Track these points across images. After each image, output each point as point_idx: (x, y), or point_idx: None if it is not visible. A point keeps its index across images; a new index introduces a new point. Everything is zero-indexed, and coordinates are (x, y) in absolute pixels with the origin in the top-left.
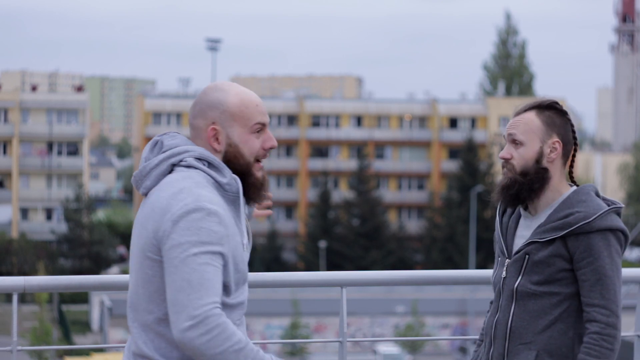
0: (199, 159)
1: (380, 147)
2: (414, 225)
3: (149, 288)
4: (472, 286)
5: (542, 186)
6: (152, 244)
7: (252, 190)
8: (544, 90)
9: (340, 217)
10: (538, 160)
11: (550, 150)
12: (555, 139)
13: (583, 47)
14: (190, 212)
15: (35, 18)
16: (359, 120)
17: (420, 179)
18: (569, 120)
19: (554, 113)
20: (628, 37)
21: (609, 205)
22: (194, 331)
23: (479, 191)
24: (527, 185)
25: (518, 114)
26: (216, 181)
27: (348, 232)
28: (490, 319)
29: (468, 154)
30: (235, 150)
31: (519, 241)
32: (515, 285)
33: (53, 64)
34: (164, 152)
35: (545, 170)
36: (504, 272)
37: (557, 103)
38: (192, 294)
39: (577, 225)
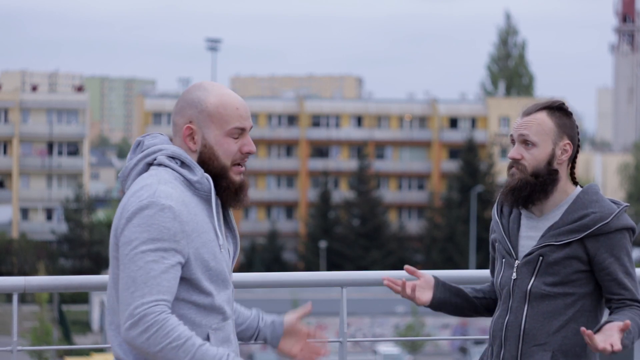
0: (171, 157)
1: (380, 147)
2: (414, 225)
3: (118, 288)
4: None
5: (553, 188)
6: (114, 242)
7: (227, 194)
8: (544, 90)
9: (341, 217)
10: (550, 162)
11: (562, 152)
12: (567, 140)
13: (583, 47)
14: (143, 209)
15: (35, 18)
16: (359, 120)
17: (420, 179)
18: (574, 121)
19: (563, 114)
20: (628, 37)
21: (615, 204)
22: (134, 330)
23: (479, 191)
24: (540, 187)
25: (529, 114)
26: (186, 179)
27: (348, 232)
28: (498, 320)
29: (468, 154)
30: (210, 151)
31: (526, 242)
32: (529, 286)
33: (53, 64)
34: (142, 152)
35: (556, 172)
36: (514, 274)
37: (565, 104)
38: (135, 292)
39: (596, 227)
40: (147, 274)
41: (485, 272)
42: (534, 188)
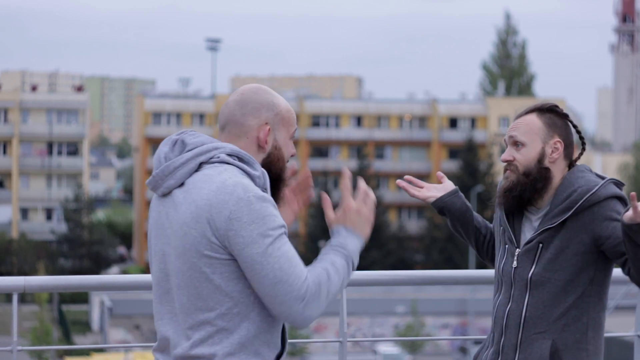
0: (229, 154)
1: (380, 147)
2: (414, 225)
3: (208, 286)
4: (472, 286)
5: (544, 186)
6: (210, 242)
7: (279, 193)
8: (544, 90)
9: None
10: (540, 160)
11: (552, 151)
12: (557, 139)
13: (583, 47)
14: (247, 205)
15: (35, 18)
16: (359, 120)
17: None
18: (570, 122)
19: (554, 115)
20: (628, 37)
21: (601, 178)
22: (310, 307)
23: (479, 191)
24: (530, 185)
25: (519, 116)
26: (248, 174)
27: None
28: (500, 308)
29: (468, 154)
30: (279, 152)
31: (528, 230)
32: (530, 274)
33: (53, 64)
34: (189, 150)
35: (547, 170)
36: (515, 262)
37: (557, 106)
38: (290, 278)
39: (584, 199)
40: (288, 259)
41: (485, 272)
42: (524, 187)
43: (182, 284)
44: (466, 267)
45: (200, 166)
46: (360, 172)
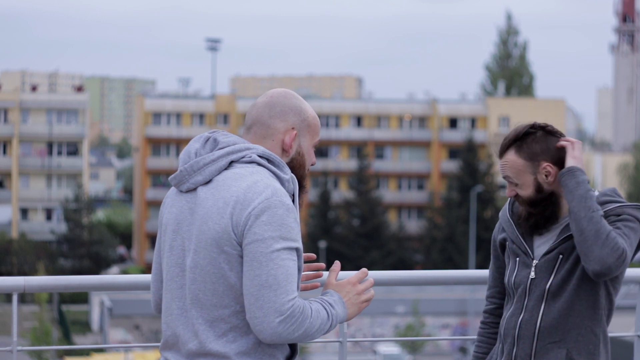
0: (260, 156)
1: (380, 147)
2: (414, 225)
3: (224, 283)
4: (472, 286)
5: (554, 209)
6: (230, 237)
7: (300, 200)
8: (544, 90)
9: (340, 217)
10: (539, 189)
11: (545, 175)
12: (544, 164)
13: (583, 47)
14: (272, 207)
15: (35, 18)
16: (359, 120)
17: (420, 179)
18: (549, 133)
19: (532, 141)
20: (628, 37)
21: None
22: (284, 325)
23: (479, 191)
24: (540, 214)
25: (501, 156)
26: (278, 177)
27: (348, 232)
28: (511, 319)
29: (468, 154)
30: (301, 159)
31: (539, 241)
32: (548, 285)
33: (53, 64)
34: (221, 148)
35: (550, 194)
36: (533, 273)
37: (532, 127)
38: (279, 290)
39: (608, 208)
40: (286, 273)
41: (485, 272)
42: (537, 218)
43: (198, 279)
44: (466, 267)
45: (230, 164)
46: (360, 172)
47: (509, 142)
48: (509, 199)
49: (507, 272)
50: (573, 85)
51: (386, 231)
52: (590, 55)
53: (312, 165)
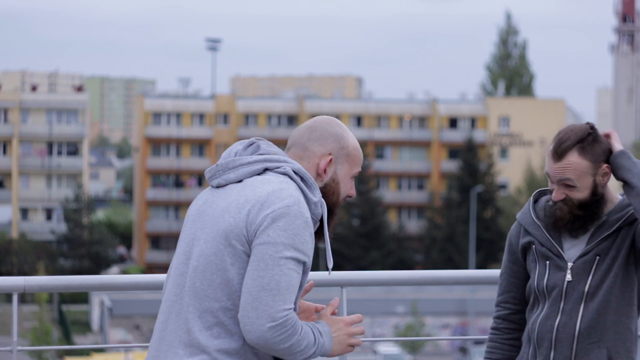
0: (295, 172)
1: (380, 147)
2: (414, 225)
3: (222, 276)
4: (472, 286)
5: (601, 208)
6: (241, 233)
7: (328, 227)
8: (544, 90)
9: (340, 217)
10: (594, 191)
11: (602, 177)
12: (604, 165)
13: (583, 47)
14: (291, 215)
15: (35, 18)
16: (359, 120)
17: (420, 179)
18: (600, 135)
19: (592, 141)
20: (628, 37)
21: None
22: (273, 332)
23: (479, 191)
24: (590, 215)
25: (561, 157)
26: (306, 197)
27: (348, 232)
28: (547, 322)
29: (468, 154)
30: (336, 186)
31: (570, 243)
32: (586, 287)
33: (53, 64)
34: (261, 154)
35: (602, 195)
36: (569, 276)
37: (591, 128)
38: (278, 296)
39: None
40: (289, 282)
41: (485, 272)
42: (584, 220)
43: (199, 267)
44: (466, 267)
45: (264, 171)
46: (360, 172)
47: (572, 143)
48: (529, 201)
49: (536, 276)
50: (573, 85)
51: (386, 231)
52: (590, 55)
53: (349, 197)
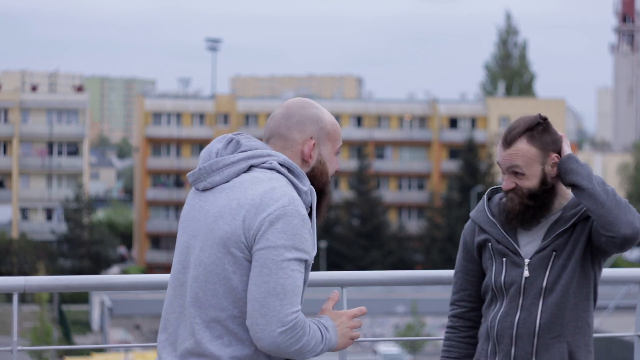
0: (281, 164)
1: (380, 147)
2: (414, 225)
3: (226, 284)
4: None
5: (552, 200)
6: (239, 240)
7: (323, 208)
8: (544, 90)
9: (341, 217)
10: (543, 181)
11: (552, 167)
12: (553, 155)
13: (583, 47)
14: (288, 216)
15: (35, 18)
16: (359, 120)
17: (420, 179)
18: (554, 131)
19: (542, 130)
20: (628, 37)
21: None
22: (284, 336)
23: (479, 191)
24: (539, 207)
25: (510, 144)
26: (296, 187)
27: (348, 232)
28: (506, 319)
29: (468, 154)
30: (323, 167)
31: (526, 239)
32: (544, 283)
33: (53, 64)
34: (243, 151)
35: (552, 186)
36: (526, 272)
37: (540, 118)
38: (285, 300)
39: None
40: (294, 284)
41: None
42: (535, 211)
43: (200, 277)
44: None
45: (250, 168)
46: (361, 172)
47: (521, 131)
48: (482, 198)
49: (493, 273)
50: (573, 85)
51: (386, 231)
52: (590, 55)
53: (336, 171)
